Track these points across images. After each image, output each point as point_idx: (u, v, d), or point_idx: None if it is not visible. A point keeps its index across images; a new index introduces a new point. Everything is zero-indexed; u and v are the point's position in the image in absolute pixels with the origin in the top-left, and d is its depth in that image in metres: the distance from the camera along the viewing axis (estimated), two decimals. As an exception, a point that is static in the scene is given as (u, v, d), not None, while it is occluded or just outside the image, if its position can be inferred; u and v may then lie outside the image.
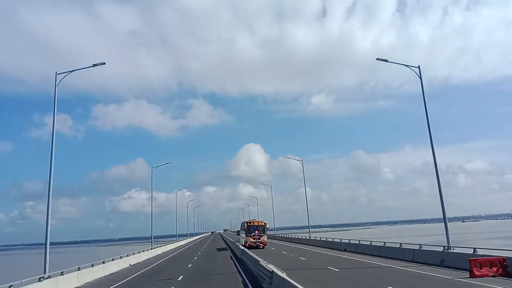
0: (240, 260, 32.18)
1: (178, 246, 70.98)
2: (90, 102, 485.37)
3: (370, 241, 34.28)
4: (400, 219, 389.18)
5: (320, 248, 42.37)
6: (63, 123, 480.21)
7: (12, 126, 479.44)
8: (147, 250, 46.89)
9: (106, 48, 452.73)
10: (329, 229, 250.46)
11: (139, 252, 41.80)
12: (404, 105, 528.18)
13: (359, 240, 36.37)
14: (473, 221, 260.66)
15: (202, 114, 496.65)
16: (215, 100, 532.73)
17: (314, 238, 54.76)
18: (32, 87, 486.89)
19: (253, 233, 48.56)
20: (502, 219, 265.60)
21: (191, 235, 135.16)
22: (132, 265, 35.17)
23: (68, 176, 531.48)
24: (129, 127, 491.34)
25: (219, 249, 52.15)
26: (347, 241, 38.55)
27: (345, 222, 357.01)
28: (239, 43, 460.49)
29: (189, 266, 30.89)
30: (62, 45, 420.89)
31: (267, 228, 50.90)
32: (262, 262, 18.94)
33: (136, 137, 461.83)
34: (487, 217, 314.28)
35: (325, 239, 47.70)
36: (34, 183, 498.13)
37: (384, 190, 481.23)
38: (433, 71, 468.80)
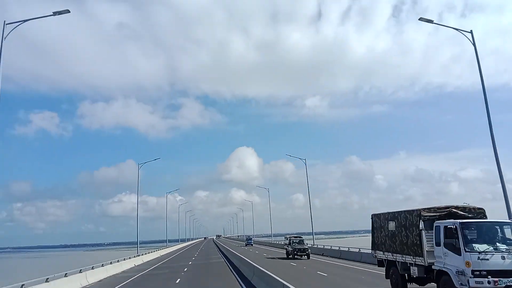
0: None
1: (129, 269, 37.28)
2: (77, 99, 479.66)
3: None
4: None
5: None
6: (49, 121, 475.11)
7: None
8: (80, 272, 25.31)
9: (96, 46, 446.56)
10: (323, 236, 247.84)
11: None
12: (398, 111, 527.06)
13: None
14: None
15: (193, 114, 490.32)
16: (207, 101, 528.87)
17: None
18: (20, 85, 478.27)
19: None
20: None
21: (182, 240, 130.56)
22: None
23: (56, 177, 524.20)
24: (118, 127, 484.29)
25: None
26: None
27: (338, 230, 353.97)
28: (233, 44, 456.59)
29: None
30: (52, 43, 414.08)
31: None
32: None
33: (124, 137, 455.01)
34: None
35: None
36: (22, 184, 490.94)
37: (376, 198, 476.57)
38: (428, 78, 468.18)
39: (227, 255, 48.07)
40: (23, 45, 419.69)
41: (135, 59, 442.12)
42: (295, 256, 38.45)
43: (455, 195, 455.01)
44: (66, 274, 22.80)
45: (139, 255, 48.05)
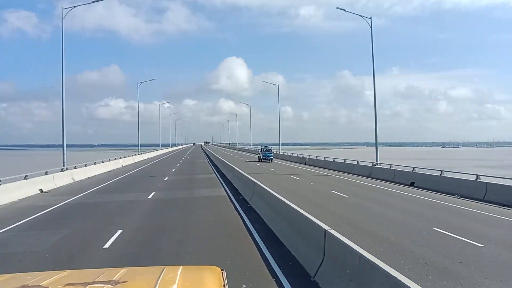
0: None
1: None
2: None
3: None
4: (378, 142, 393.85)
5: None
6: (26, 21, 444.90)
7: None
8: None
9: None
10: (308, 147, 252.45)
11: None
12: (395, 26, 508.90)
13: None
14: (453, 147, 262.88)
15: (179, 18, 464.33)
16: (196, 6, 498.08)
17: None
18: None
19: None
20: (481, 147, 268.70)
21: (164, 146, 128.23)
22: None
23: (39, 79, 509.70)
24: (99, 29, 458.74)
25: None
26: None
27: (324, 141, 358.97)
28: None
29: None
30: None
31: None
32: None
33: (107, 40, 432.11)
34: (465, 145, 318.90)
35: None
36: (5, 85, 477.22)
37: (364, 112, 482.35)
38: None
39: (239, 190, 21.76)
40: None
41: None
42: None
43: (442, 114, 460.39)
44: None
45: (76, 168, 30.57)
